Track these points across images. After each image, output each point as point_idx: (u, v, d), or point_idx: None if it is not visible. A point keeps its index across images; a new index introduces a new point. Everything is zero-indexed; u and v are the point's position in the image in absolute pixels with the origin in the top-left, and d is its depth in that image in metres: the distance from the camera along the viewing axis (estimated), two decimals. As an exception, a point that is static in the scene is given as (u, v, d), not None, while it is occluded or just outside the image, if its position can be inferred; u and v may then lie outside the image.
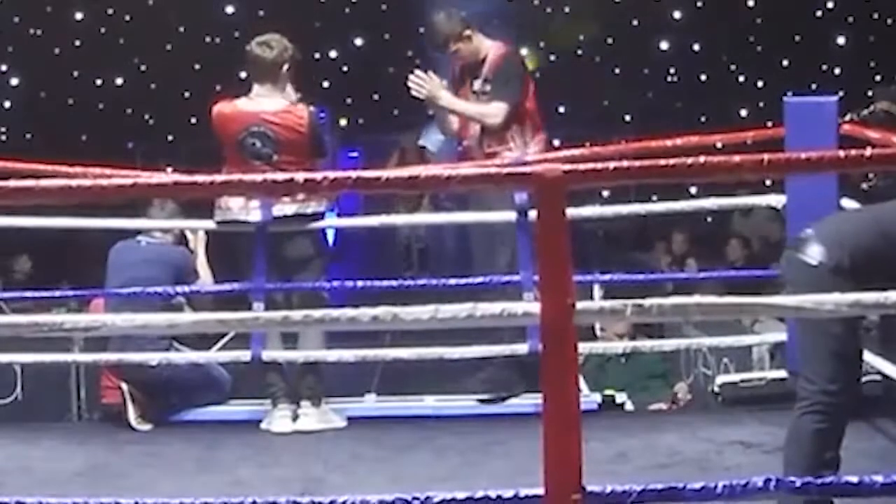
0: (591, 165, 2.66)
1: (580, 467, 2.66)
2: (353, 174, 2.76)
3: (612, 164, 2.62)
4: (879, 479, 2.75)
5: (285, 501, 2.77)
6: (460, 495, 2.71)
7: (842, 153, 2.68)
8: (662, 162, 2.65)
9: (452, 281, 5.72)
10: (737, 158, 2.65)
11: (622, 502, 2.71)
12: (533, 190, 2.65)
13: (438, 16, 6.09)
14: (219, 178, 2.87)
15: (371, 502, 2.74)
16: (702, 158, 2.65)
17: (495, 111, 5.92)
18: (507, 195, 5.67)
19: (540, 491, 2.67)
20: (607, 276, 5.91)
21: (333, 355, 5.71)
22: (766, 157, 2.65)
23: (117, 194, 2.75)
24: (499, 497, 2.70)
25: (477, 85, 6.05)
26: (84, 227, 6.03)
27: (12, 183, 2.69)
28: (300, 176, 2.83)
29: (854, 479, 2.85)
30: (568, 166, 2.63)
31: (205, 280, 6.11)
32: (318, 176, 2.78)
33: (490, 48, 6.10)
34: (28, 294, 7.09)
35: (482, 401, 5.89)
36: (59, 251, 9.86)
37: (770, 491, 2.71)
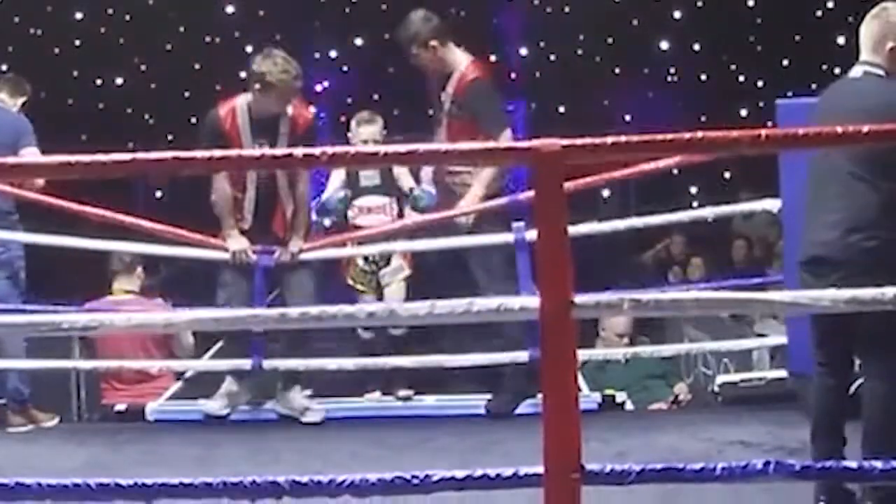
0: (589, 140, 2.64)
1: (579, 447, 2.66)
2: (352, 149, 2.74)
3: (609, 140, 2.61)
4: (878, 464, 2.76)
5: (284, 479, 2.76)
6: (459, 474, 2.71)
7: (839, 129, 2.69)
8: (660, 137, 2.64)
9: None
10: (734, 133, 2.65)
11: (621, 482, 2.71)
12: (531, 165, 2.64)
13: (416, 14, 5.93)
14: (217, 153, 2.86)
15: (370, 481, 2.73)
16: (700, 134, 2.65)
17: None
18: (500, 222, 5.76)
19: (540, 469, 2.67)
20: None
21: (334, 363, 5.77)
22: (763, 132, 2.66)
23: (117, 171, 2.76)
24: (498, 476, 2.70)
25: (446, 105, 5.91)
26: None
27: (11, 160, 2.71)
28: (298, 151, 2.82)
29: (853, 465, 2.87)
30: (566, 141, 2.63)
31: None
32: (317, 151, 2.77)
33: (461, 64, 5.91)
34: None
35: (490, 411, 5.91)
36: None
37: (769, 475, 2.71)
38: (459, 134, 5.74)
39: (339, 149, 2.71)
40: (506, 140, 5.68)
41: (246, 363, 5.67)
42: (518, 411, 5.75)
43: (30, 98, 6.26)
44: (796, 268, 4.27)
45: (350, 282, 6.20)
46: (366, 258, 6.16)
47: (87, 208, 5.73)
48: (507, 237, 5.67)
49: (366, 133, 6.04)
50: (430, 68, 5.96)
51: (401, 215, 6.26)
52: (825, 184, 4.15)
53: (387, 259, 6.19)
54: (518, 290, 5.51)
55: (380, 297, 6.17)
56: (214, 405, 5.78)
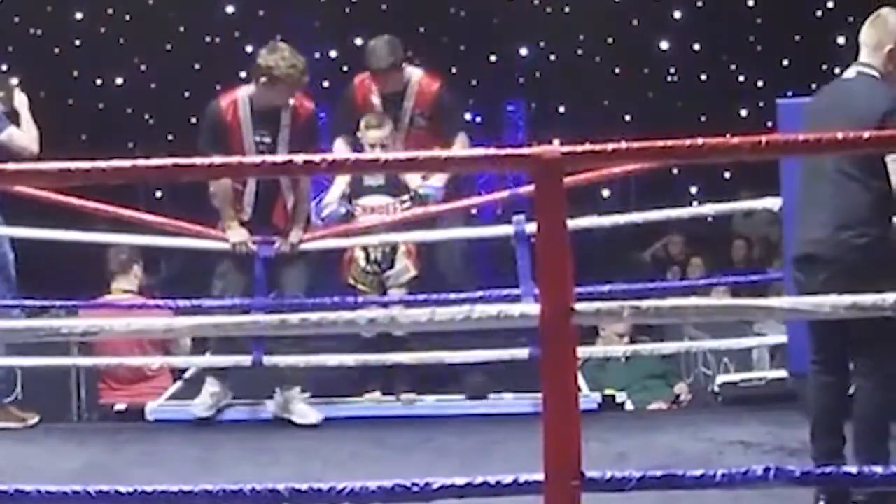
0: (588, 147, 2.64)
1: (579, 454, 2.66)
2: (352, 156, 2.74)
3: (610, 146, 2.61)
4: (878, 470, 2.76)
5: (284, 487, 2.76)
6: (459, 481, 2.71)
7: (840, 135, 2.69)
8: (660, 144, 2.64)
9: (452, 296, 5.72)
10: (735, 140, 2.65)
11: (621, 488, 2.71)
12: (532, 171, 2.64)
13: (386, 41, 6.11)
14: (217, 159, 2.86)
15: (370, 488, 2.74)
16: (700, 140, 2.65)
17: (461, 146, 6.07)
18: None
19: (540, 476, 2.67)
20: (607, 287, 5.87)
21: (334, 360, 5.78)
22: (763, 138, 2.66)
23: (117, 177, 2.74)
24: (498, 483, 2.70)
25: (406, 117, 6.09)
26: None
27: (11, 166, 2.70)
28: (299, 158, 2.81)
29: (853, 470, 2.86)
30: (566, 147, 2.63)
31: (29, 133, 5.90)
32: (317, 158, 2.75)
33: (414, 76, 6.17)
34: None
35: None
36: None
37: (769, 480, 2.72)
38: (422, 143, 5.88)
39: (339, 156, 2.70)
40: (462, 143, 6.11)
41: (246, 360, 5.67)
42: (519, 410, 5.74)
43: (8, 94, 6.19)
44: (791, 264, 4.31)
45: (351, 281, 6.17)
46: (367, 258, 6.14)
47: (89, 203, 5.74)
48: (506, 229, 5.74)
49: (373, 137, 6.03)
50: (392, 88, 6.15)
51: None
52: (816, 182, 4.20)
53: (390, 261, 6.16)
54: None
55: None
56: (199, 407, 5.76)
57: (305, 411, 5.68)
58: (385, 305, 5.97)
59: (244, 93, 5.73)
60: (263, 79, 5.61)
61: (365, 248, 6.09)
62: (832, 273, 4.05)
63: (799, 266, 4.25)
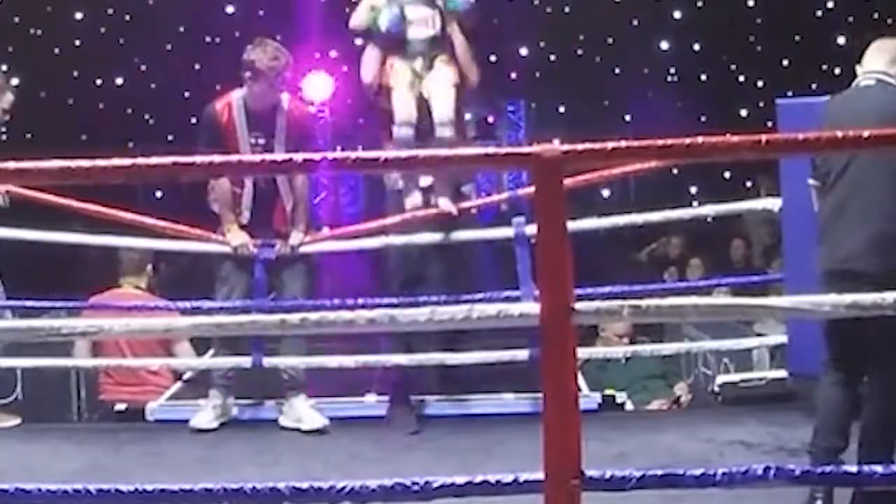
0: (589, 146, 2.63)
1: (579, 453, 2.66)
2: (353, 154, 2.71)
3: (610, 145, 2.60)
4: (878, 469, 2.76)
5: (284, 486, 2.76)
6: (459, 481, 2.71)
7: (839, 133, 2.68)
8: (660, 142, 2.63)
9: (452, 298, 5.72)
10: (735, 138, 2.64)
11: (621, 488, 2.71)
12: (532, 170, 2.63)
13: None
14: (218, 158, 2.86)
15: (370, 487, 2.74)
16: (700, 139, 2.64)
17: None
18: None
19: (540, 476, 2.67)
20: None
21: (334, 361, 5.77)
22: (763, 137, 2.65)
23: (117, 175, 2.74)
24: (499, 482, 2.70)
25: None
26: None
27: (12, 164, 2.71)
28: (299, 156, 2.80)
29: (853, 469, 2.86)
30: (567, 146, 2.62)
31: None
32: (317, 156, 2.75)
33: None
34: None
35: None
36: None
37: (769, 479, 2.71)
38: None
39: (338, 154, 2.70)
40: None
41: (246, 361, 5.67)
42: (519, 411, 5.73)
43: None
44: (821, 279, 4.17)
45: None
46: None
47: (91, 206, 5.75)
48: (506, 231, 5.74)
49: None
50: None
51: (443, 29, 5.92)
52: (855, 196, 4.12)
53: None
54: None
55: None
56: (203, 419, 5.69)
57: (312, 416, 5.64)
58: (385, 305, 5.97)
59: (238, 95, 5.74)
60: (248, 73, 5.62)
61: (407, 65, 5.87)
62: (872, 289, 3.94)
63: (831, 280, 4.07)
